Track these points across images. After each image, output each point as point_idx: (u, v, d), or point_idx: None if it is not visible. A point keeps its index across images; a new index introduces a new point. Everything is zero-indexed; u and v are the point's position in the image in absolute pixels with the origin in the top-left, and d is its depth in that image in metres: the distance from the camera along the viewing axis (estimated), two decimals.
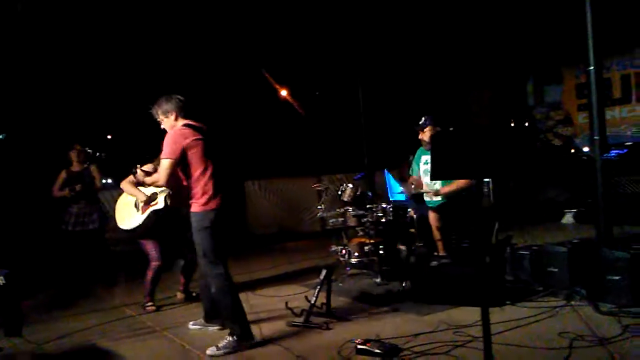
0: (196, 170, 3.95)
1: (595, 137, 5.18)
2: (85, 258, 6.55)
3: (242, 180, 10.05)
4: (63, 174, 6.49)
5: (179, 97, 4.19)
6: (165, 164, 3.91)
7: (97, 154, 5.05)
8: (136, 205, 5.11)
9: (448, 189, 5.49)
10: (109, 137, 9.21)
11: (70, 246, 6.45)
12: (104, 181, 6.84)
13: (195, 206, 3.98)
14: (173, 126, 4.10)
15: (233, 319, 3.97)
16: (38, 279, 6.62)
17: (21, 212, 7.23)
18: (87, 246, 6.48)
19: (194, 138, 3.95)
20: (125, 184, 5.11)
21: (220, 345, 3.88)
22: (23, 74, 7.34)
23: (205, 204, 3.95)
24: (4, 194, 6.93)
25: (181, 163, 3.95)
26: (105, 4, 6.53)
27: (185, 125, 4.05)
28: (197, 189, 3.97)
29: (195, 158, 3.94)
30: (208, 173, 3.96)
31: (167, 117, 4.14)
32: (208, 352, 3.87)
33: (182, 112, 4.14)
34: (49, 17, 6.53)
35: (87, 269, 6.62)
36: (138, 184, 4.93)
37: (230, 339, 3.91)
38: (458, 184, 5.41)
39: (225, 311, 4.03)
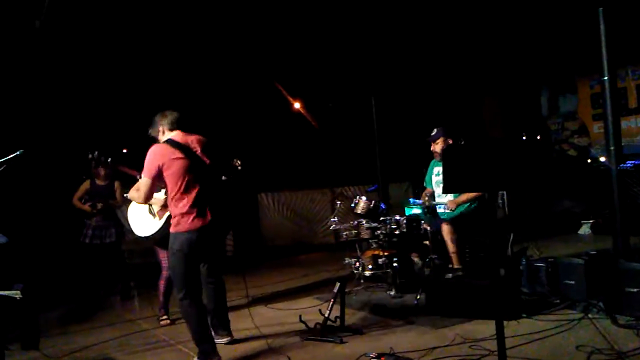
0: (171, 191, 3.85)
1: (611, 148, 5.14)
2: (101, 271, 6.60)
3: (256, 192, 10.10)
4: (87, 185, 6.50)
5: (170, 111, 4.07)
6: (142, 182, 3.85)
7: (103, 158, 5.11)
8: (150, 212, 5.12)
9: (456, 201, 5.48)
10: (124, 150, 9.30)
11: (87, 259, 6.49)
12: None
13: (171, 227, 3.90)
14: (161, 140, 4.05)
15: (197, 341, 3.92)
16: (54, 292, 6.69)
17: (38, 226, 7.31)
18: (104, 259, 6.52)
19: (172, 157, 3.81)
20: (133, 192, 5.04)
21: None
22: (41, 89, 7.46)
23: (176, 225, 3.84)
24: (22, 208, 7.01)
25: (161, 181, 3.87)
26: (123, 20, 6.62)
27: (167, 140, 3.94)
28: (171, 210, 3.91)
29: (170, 178, 3.81)
30: (179, 194, 3.81)
31: (158, 133, 4.09)
32: None
33: (170, 126, 4.01)
34: (67, 33, 6.64)
35: (103, 282, 6.67)
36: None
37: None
38: (468, 195, 5.39)
39: (191, 333, 3.95)
